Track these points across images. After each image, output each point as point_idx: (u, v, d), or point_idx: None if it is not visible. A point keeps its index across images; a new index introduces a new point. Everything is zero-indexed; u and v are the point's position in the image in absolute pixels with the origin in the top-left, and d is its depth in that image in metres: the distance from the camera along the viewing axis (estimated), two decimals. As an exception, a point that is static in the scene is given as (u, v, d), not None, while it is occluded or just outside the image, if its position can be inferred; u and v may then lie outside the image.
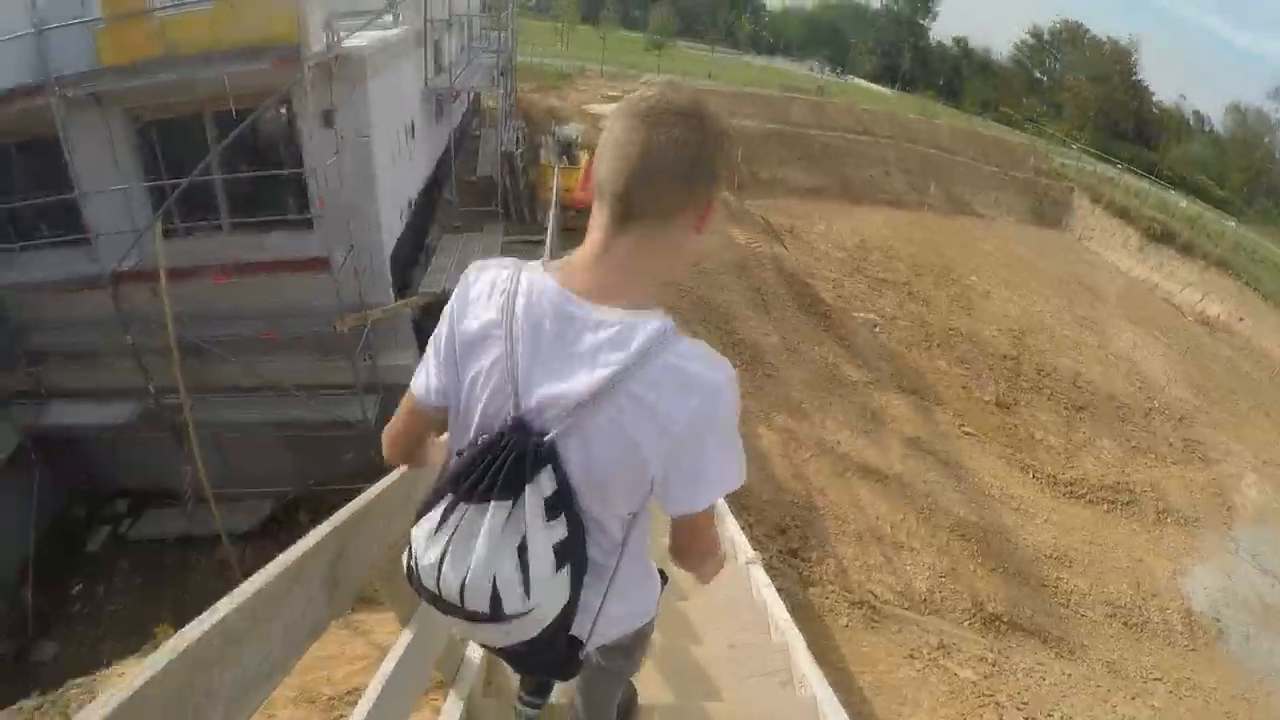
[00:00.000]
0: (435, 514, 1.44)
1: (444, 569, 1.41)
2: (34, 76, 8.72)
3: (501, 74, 18.79)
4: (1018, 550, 11.54)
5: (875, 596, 8.67)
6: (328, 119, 9.44)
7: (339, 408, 10.89)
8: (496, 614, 1.40)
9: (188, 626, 1.24)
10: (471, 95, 22.65)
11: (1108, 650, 10.42)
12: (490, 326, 1.44)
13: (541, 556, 1.39)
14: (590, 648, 1.66)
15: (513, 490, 1.38)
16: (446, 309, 1.53)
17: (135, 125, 10.01)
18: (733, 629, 3.79)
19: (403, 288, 12.37)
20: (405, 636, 2.38)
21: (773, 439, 11.22)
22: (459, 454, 1.50)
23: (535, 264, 1.50)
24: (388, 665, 2.22)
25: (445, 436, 1.76)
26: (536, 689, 2.62)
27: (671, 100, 1.37)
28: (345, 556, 1.81)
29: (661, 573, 1.89)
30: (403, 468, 2.12)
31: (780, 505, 9.79)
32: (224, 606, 1.32)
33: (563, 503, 1.41)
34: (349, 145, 9.84)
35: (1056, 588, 11.23)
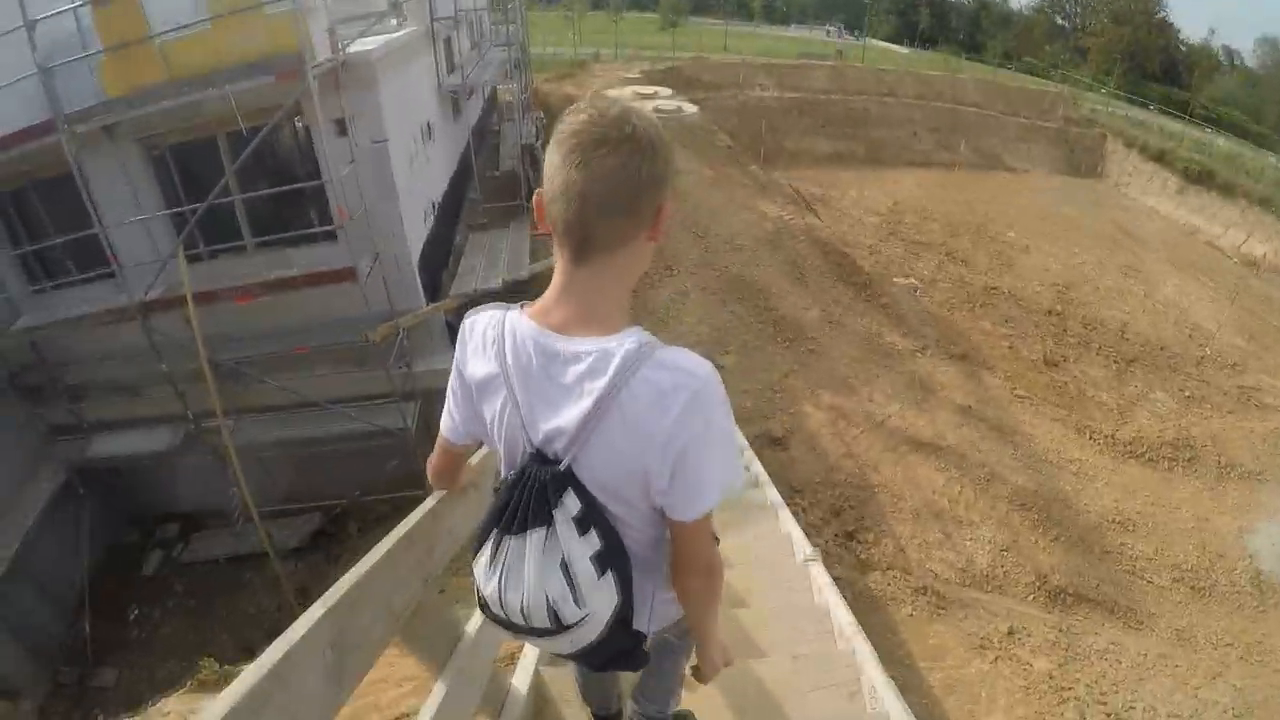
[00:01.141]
0: (487, 550, 1.61)
1: (504, 597, 1.57)
2: (47, 117, 8.67)
3: (515, 66, 18.58)
4: (1079, 517, 11.15)
5: (936, 576, 8.40)
6: (341, 128, 9.29)
7: (379, 417, 10.82)
8: (559, 626, 1.55)
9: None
10: (488, 91, 22.50)
11: (1176, 618, 10.06)
12: (491, 373, 1.58)
13: (583, 567, 1.52)
14: (654, 630, 1.87)
15: (544, 517, 1.51)
16: (455, 359, 1.69)
17: (150, 154, 9.94)
18: (795, 637, 3.54)
19: (434, 291, 12.24)
20: (439, 688, 2.42)
21: (820, 417, 10.93)
22: (495, 492, 1.65)
23: (517, 308, 1.60)
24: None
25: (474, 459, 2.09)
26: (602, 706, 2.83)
27: (600, 129, 1.39)
28: (345, 636, 1.74)
29: None
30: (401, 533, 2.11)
31: (833, 486, 9.54)
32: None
33: (591, 518, 1.52)
34: (365, 152, 9.70)
35: (1121, 554, 10.84)
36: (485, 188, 16.49)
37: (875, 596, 6.74)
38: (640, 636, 1.76)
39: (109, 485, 12.00)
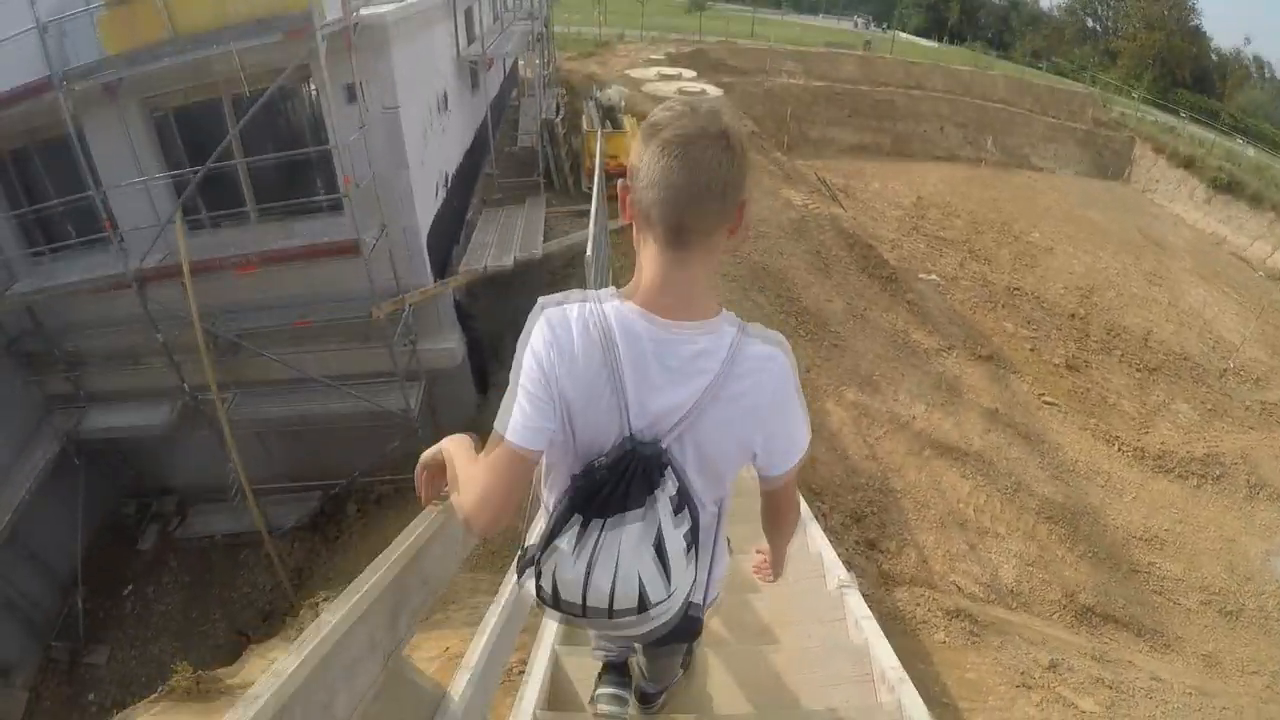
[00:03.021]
0: (569, 536, 1.58)
1: (590, 582, 1.57)
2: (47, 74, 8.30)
3: (537, 40, 18.12)
4: (1107, 533, 10.69)
5: (960, 590, 7.99)
6: (350, 93, 8.85)
7: (381, 397, 10.49)
8: (643, 606, 1.58)
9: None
10: (509, 66, 22.08)
11: (1203, 642, 9.67)
12: (594, 363, 1.56)
13: (676, 546, 1.59)
14: (708, 608, 1.98)
15: (643, 498, 1.56)
16: (536, 349, 1.59)
17: (153, 116, 9.56)
18: (831, 684, 3.06)
19: (443, 266, 11.82)
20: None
21: (843, 416, 10.44)
22: (574, 479, 1.63)
23: (608, 295, 1.62)
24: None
25: None
26: (618, 681, 2.92)
27: (697, 125, 1.47)
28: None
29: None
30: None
31: (855, 489, 9.08)
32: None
33: (685, 497, 1.62)
34: (376, 120, 9.27)
35: (1149, 573, 10.41)
36: (502, 163, 16.07)
37: (904, 618, 6.30)
38: (699, 608, 1.88)
39: (107, 457, 11.85)
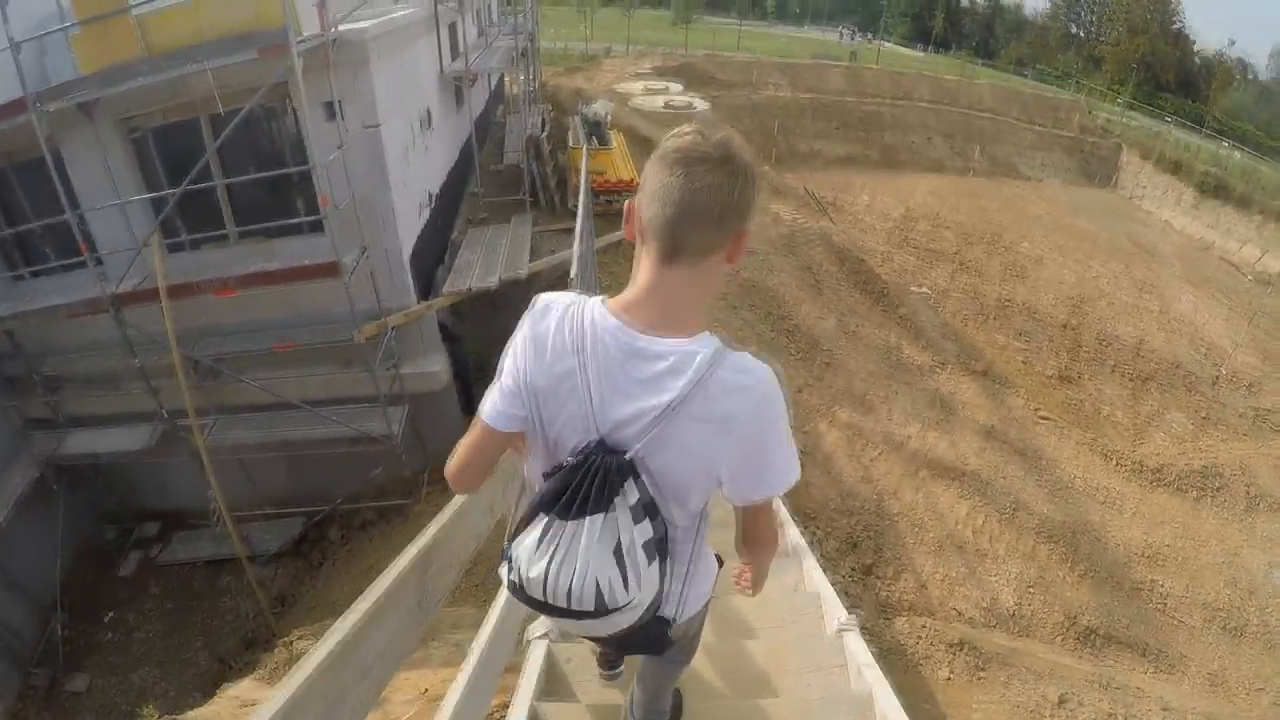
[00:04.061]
0: (534, 533, 1.63)
1: (550, 579, 1.60)
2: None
3: (523, 55, 17.96)
4: (1107, 550, 10.50)
5: (960, 615, 7.80)
6: (329, 111, 8.66)
7: (363, 421, 10.27)
8: (600, 610, 1.61)
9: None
10: (494, 82, 21.94)
11: (1208, 660, 9.49)
12: (563, 361, 1.62)
13: (637, 555, 1.60)
14: (678, 624, 1.94)
15: (605, 503, 1.59)
16: (517, 341, 1.69)
17: (130, 136, 9.37)
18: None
19: (427, 287, 11.63)
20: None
21: (836, 437, 10.24)
22: (545, 477, 1.68)
23: (596, 300, 1.67)
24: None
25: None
26: (611, 663, 3.02)
27: (704, 148, 1.52)
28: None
29: (717, 557, 2.15)
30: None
31: (850, 514, 8.85)
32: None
33: (648, 506, 1.62)
34: (356, 138, 9.07)
35: (1151, 591, 10.24)
36: (487, 181, 15.86)
37: (906, 652, 6.10)
38: (667, 623, 1.88)
39: (88, 481, 11.73)
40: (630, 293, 1.65)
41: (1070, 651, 8.23)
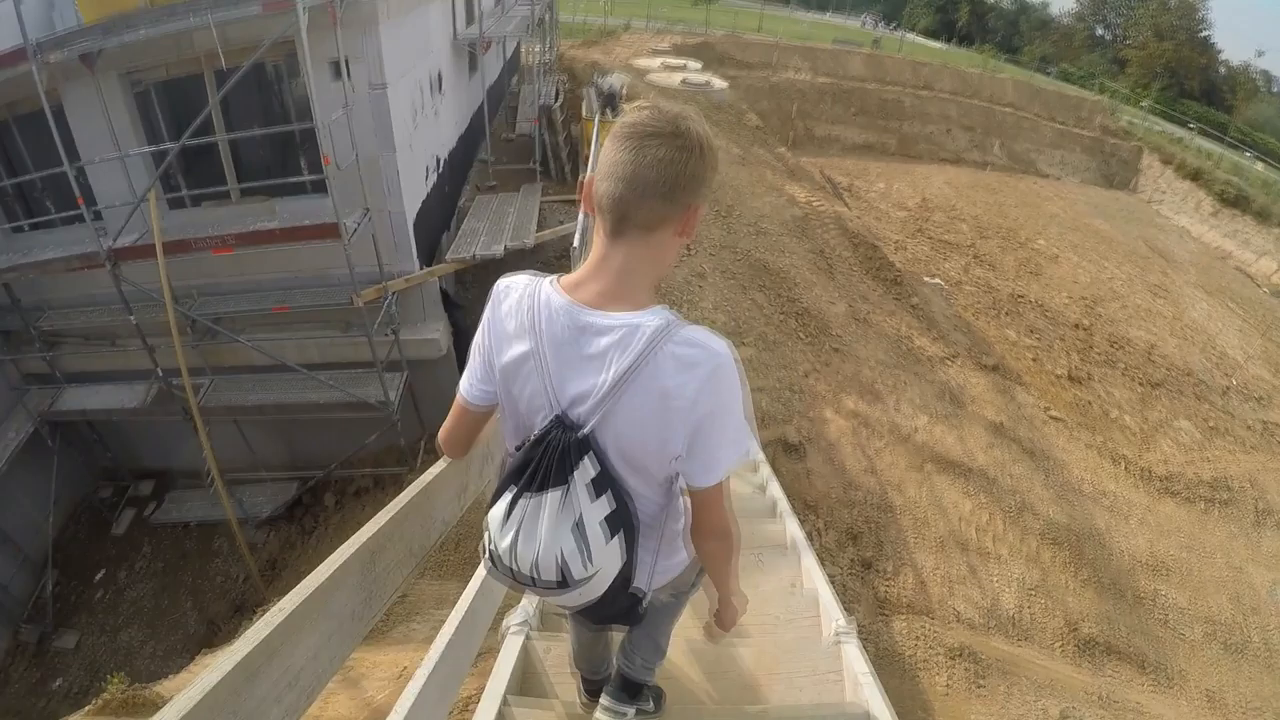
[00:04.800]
0: (502, 506, 1.70)
1: (517, 551, 1.67)
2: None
3: (539, 24, 17.66)
4: (1112, 558, 10.27)
5: (959, 617, 7.60)
6: (336, 69, 8.45)
7: (359, 387, 10.10)
8: (565, 582, 1.67)
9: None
10: (510, 51, 21.67)
11: (1206, 677, 9.30)
12: (521, 341, 1.68)
13: (595, 529, 1.65)
14: (650, 597, 2.00)
15: (563, 478, 1.63)
16: (483, 321, 1.78)
17: (134, 90, 9.14)
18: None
19: (431, 253, 11.44)
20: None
21: (842, 425, 10.01)
22: (515, 450, 1.76)
23: (550, 279, 1.72)
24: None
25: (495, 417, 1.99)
26: (618, 694, 2.77)
27: (654, 122, 1.55)
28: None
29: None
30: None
31: (852, 505, 8.66)
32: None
33: (605, 481, 1.66)
34: (362, 99, 8.85)
35: (1154, 603, 10.01)
36: (499, 150, 15.63)
37: (903, 657, 5.91)
38: (639, 595, 1.92)
39: (83, 438, 11.71)
40: (581, 269, 1.69)
41: (1070, 660, 8.04)
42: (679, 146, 1.53)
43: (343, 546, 1.77)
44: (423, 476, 2.24)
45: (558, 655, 3.13)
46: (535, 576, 1.67)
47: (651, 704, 2.90)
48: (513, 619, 3.24)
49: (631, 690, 2.72)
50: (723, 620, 2.23)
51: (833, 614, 3.45)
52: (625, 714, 2.73)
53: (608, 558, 1.67)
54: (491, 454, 2.78)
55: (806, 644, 3.38)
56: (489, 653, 3.44)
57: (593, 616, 2.03)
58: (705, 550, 1.94)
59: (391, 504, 2.02)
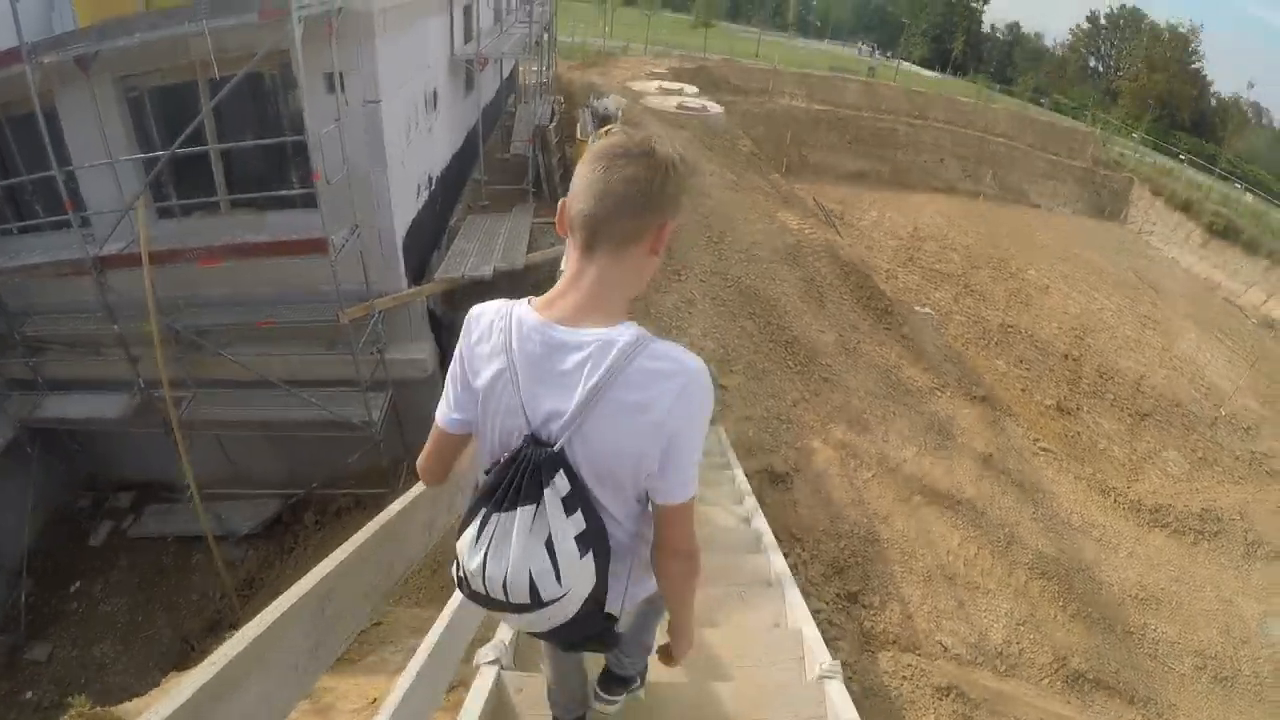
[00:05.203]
0: (474, 527, 1.68)
1: (487, 571, 1.64)
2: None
3: (536, 44, 17.69)
4: (1101, 590, 10.20)
5: (946, 651, 7.50)
6: (329, 82, 8.40)
7: (343, 406, 9.98)
8: (536, 602, 1.64)
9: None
10: (507, 70, 21.71)
11: (1196, 710, 9.25)
12: (495, 362, 1.68)
13: (567, 546, 1.62)
14: (623, 620, 1.98)
15: (534, 495, 1.61)
16: (457, 350, 1.80)
17: (128, 96, 9.09)
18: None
19: (420, 273, 11.35)
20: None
21: (830, 455, 9.91)
22: (486, 473, 1.75)
23: (524, 301, 1.73)
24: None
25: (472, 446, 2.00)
26: (609, 687, 2.84)
27: (625, 144, 1.61)
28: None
29: None
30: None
31: (838, 536, 8.53)
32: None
33: (578, 498, 1.64)
34: (355, 113, 8.80)
35: (1143, 636, 9.95)
36: (493, 169, 15.59)
37: (889, 695, 5.78)
38: (612, 619, 1.87)
39: (63, 447, 11.50)
40: (554, 289, 1.71)
41: (1058, 694, 7.95)
42: (648, 165, 1.58)
43: (289, 591, 1.70)
44: (385, 511, 2.17)
45: (531, 693, 3.01)
46: (506, 597, 1.65)
47: (639, 682, 2.95)
48: (485, 653, 3.12)
49: (622, 683, 2.81)
50: (676, 651, 2.19)
51: (817, 654, 3.34)
52: (617, 702, 2.86)
53: (580, 577, 1.66)
54: (463, 486, 2.71)
55: (789, 686, 3.27)
56: (462, 685, 3.32)
57: (565, 640, 1.97)
58: (669, 571, 1.89)
59: (348, 542, 1.94)
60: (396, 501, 2.32)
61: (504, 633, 3.26)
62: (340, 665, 4.62)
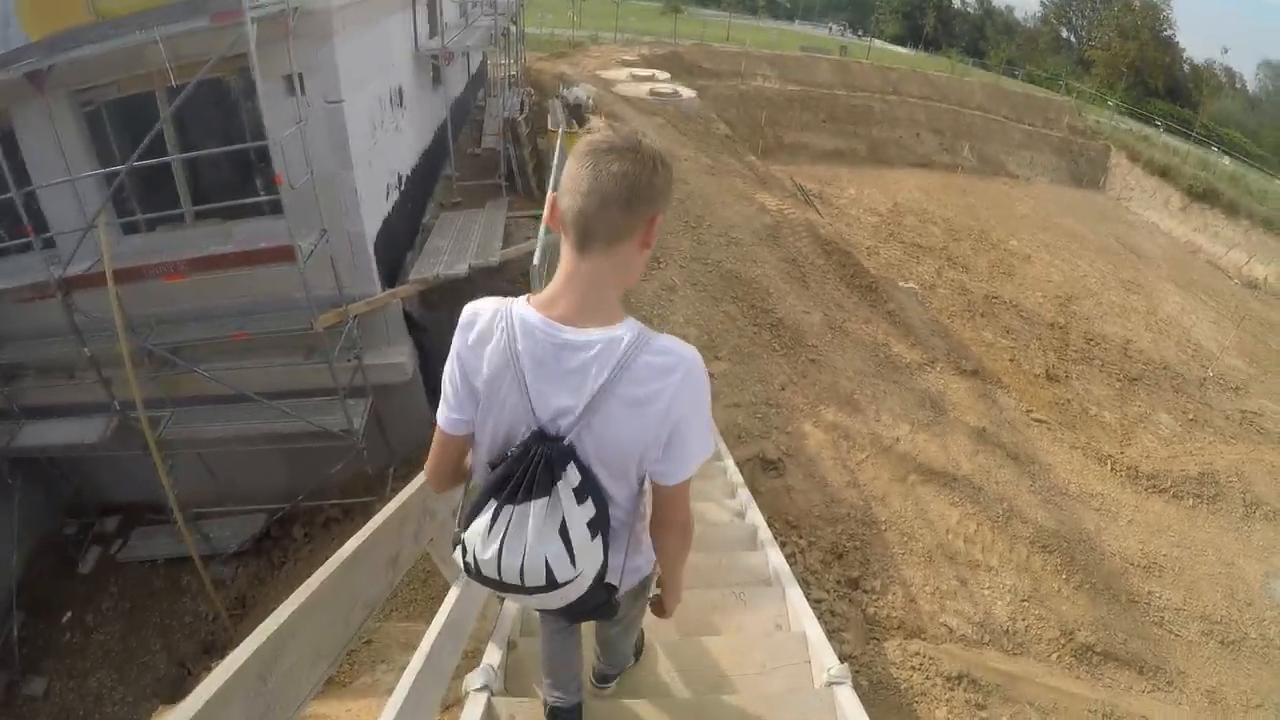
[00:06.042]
0: (485, 519, 1.75)
1: (503, 559, 1.73)
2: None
3: (504, 36, 17.45)
4: (1103, 560, 10.08)
5: (951, 633, 7.34)
6: (289, 84, 8.16)
7: (322, 415, 9.78)
8: (552, 584, 1.75)
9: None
10: (476, 65, 21.46)
11: (1206, 676, 9.13)
12: (498, 361, 1.74)
13: (580, 532, 1.73)
14: (623, 591, 2.05)
15: (547, 487, 1.70)
16: (453, 350, 1.83)
17: (84, 110, 8.85)
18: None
19: (394, 274, 11.14)
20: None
21: (821, 438, 9.73)
22: (492, 466, 1.81)
23: (521, 300, 1.79)
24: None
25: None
26: (603, 678, 3.09)
27: (612, 139, 1.66)
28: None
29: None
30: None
31: (835, 521, 8.36)
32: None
33: (588, 487, 1.74)
34: (318, 114, 8.58)
35: (1148, 604, 9.85)
36: (464, 165, 15.37)
37: (899, 688, 5.60)
38: (613, 590, 1.95)
39: (45, 474, 11.31)
40: (551, 287, 1.75)
41: (1068, 670, 7.80)
42: (635, 160, 1.62)
43: (222, 664, 1.53)
44: (340, 552, 2.01)
45: (524, 717, 2.91)
46: (523, 582, 1.74)
47: (634, 661, 3.25)
48: (474, 680, 2.98)
49: (615, 677, 3.12)
50: (667, 604, 2.38)
51: (823, 657, 3.15)
52: (610, 685, 3.11)
53: (590, 558, 1.76)
54: (432, 510, 2.69)
55: (796, 693, 3.08)
56: (456, 704, 3.23)
57: (571, 613, 2.04)
58: (667, 543, 2.07)
59: (297, 591, 1.77)
60: (352, 540, 2.21)
61: (492, 657, 3.17)
62: (330, 688, 4.46)
